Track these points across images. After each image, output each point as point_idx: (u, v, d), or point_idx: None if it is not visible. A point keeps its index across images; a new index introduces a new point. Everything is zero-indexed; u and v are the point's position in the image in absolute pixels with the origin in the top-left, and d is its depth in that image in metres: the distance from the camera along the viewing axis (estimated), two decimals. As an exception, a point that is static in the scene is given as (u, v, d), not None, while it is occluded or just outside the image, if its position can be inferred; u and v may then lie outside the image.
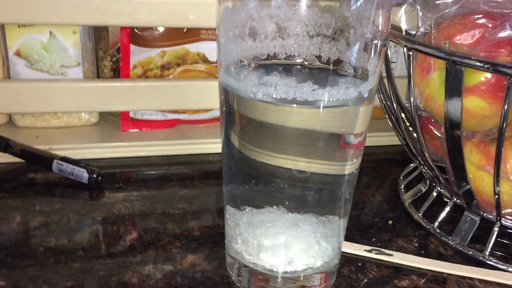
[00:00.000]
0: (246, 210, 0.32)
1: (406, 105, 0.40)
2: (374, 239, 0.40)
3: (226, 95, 0.29)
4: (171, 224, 0.39)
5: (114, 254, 0.36)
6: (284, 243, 0.32)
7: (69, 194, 0.44)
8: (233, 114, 0.29)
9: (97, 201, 0.43)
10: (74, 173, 0.44)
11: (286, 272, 0.33)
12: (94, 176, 0.44)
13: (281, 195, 0.31)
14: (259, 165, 0.29)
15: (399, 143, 0.54)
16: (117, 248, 0.37)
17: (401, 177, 0.48)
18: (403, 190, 0.47)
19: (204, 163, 0.50)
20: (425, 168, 0.41)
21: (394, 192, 0.47)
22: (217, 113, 0.55)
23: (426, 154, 0.38)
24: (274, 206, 0.31)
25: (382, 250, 0.38)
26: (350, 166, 0.32)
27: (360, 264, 0.37)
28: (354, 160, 0.32)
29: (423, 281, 0.35)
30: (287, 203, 0.31)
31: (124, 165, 0.49)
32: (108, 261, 0.35)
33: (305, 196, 0.31)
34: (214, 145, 0.51)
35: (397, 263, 0.37)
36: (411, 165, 0.50)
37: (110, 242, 0.37)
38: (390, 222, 0.42)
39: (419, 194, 0.45)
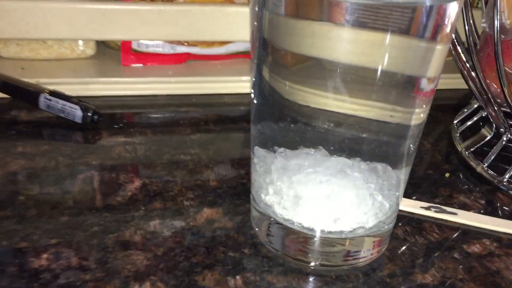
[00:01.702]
0: (280, 151, 0.25)
1: (483, 25, 0.32)
2: (429, 195, 0.33)
3: (262, 21, 0.23)
4: (181, 172, 0.33)
5: (112, 207, 0.29)
6: (328, 194, 0.25)
7: (58, 134, 0.37)
8: (270, 47, 0.24)
9: (93, 143, 0.36)
10: (65, 111, 0.37)
11: (330, 232, 0.26)
12: (89, 114, 0.37)
13: (326, 136, 0.25)
14: (302, 107, 0.24)
15: (445, 87, 0.47)
16: (116, 199, 0.30)
17: (455, 123, 0.41)
18: (458, 138, 0.39)
19: (219, 105, 0.44)
20: (495, 108, 0.34)
21: (447, 140, 0.40)
22: (235, 47, 0.48)
23: (506, 90, 0.30)
24: (312, 149, 0.25)
25: (443, 207, 0.31)
26: (417, 116, 0.25)
27: (416, 224, 0.30)
28: (424, 106, 0.25)
29: (497, 246, 0.28)
30: (331, 147, 0.25)
31: (125, 104, 0.43)
32: (104, 215, 0.28)
33: (357, 142, 0.25)
34: (231, 84, 0.46)
35: (463, 224, 0.30)
36: (465, 110, 0.42)
37: (107, 191, 0.31)
38: (447, 174, 0.35)
39: (482, 142, 0.37)
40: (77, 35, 0.42)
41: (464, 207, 0.32)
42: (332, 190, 0.26)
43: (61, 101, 0.37)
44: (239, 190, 0.32)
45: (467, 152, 0.37)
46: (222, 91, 0.45)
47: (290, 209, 0.26)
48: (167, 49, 0.46)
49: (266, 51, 0.25)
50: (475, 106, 0.40)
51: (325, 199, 0.26)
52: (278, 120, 0.26)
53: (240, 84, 0.46)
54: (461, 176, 0.36)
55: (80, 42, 0.45)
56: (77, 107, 0.37)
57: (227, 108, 0.44)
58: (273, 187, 0.27)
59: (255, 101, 0.27)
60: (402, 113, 0.25)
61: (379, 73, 0.23)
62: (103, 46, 0.48)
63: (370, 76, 0.23)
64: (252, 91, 0.26)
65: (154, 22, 0.42)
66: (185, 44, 0.46)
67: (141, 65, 0.46)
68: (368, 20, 0.22)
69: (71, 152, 0.35)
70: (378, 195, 0.26)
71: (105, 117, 0.39)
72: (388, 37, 0.22)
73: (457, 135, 0.40)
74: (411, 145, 0.26)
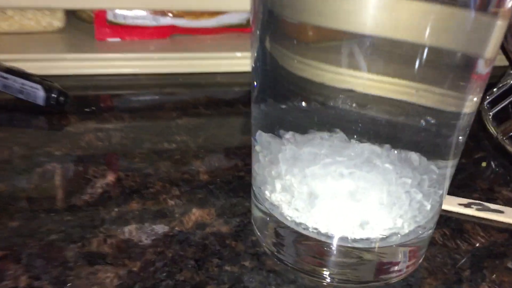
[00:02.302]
0: (287, 136, 0.20)
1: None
2: (466, 189, 0.27)
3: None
4: (165, 164, 0.27)
5: (77, 208, 0.23)
6: (352, 191, 0.20)
7: (16, 119, 0.31)
8: (279, 19, 0.20)
9: (58, 130, 0.30)
10: (25, 91, 0.31)
11: (355, 240, 0.20)
12: (54, 95, 0.31)
13: (346, 117, 0.20)
14: (319, 87, 0.20)
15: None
16: (82, 198, 0.24)
17: (485, 104, 0.35)
18: (491, 121, 0.33)
19: (210, 85, 0.40)
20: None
21: (477, 123, 0.34)
22: (228, 19, 0.44)
23: None
24: (327, 133, 0.20)
25: (485, 204, 0.26)
26: (470, 103, 0.20)
27: (456, 225, 0.24)
28: (479, 92, 0.20)
29: (559, 252, 0.23)
30: (352, 130, 0.20)
31: (99, 85, 0.38)
32: (66, 218, 0.23)
33: (386, 126, 0.20)
34: (224, 62, 0.41)
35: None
36: (495, 90, 0.36)
37: (71, 189, 0.25)
38: (484, 164, 0.30)
39: (522, 125, 0.32)
40: (41, 2, 0.36)
41: (510, 203, 0.27)
42: (357, 186, 0.20)
43: (19, 80, 0.31)
44: (235, 186, 0.26)
45: (504, 138, 0.32)
46: (214, 70, 0.41)
47: (303, 210, 0.21)
48: (149, 21, 0.42)
49: (273, 24, 0.20)
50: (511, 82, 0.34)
51: (348, 197, 0.20)
52: (286, 99, 0.21)
53: (234, 61, 0.41)
54: (500, 166, 0.30)
55: (46, 13, 0.39)
56: (39, 86, 0.31)
57: (219, 89, 0.39)
58: (281, 182, 0.21)
59: (257, 79, 0.21)
60: (453, 99, 0.20)
61: (427, 50, 0.18)
62: (73, 17, 0.43)
63: (414, 53, 0.18)
64: (254, 65, 0.22)
65: (132, -12, 0.36)
66: (170, 15, 0.42)
67: (118, 39, 0.41)
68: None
69: (30, 141, 0.29)
70: (417, 193, 0.20)
71: (74, 99, 0.34)
72: (442, 8, 0.17)
73: (489, 117, 0.34)
74: (460, 137, 0.20)
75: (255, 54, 0.21)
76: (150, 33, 0.42)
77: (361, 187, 0.20)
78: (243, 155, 0.29)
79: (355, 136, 0.20)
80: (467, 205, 0.26)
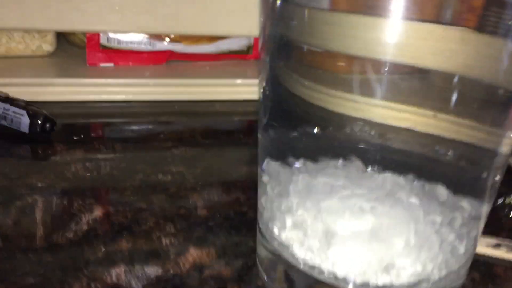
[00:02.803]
0: (297, 166, 0.19)
1: None
2: (491, 228, 0.25)
3: (281, 13, 0.18)
4: (159, 198, 0.25)
5: (59, 247, 0.21)
6: (375, 229, 0.17)
7: None
8: (291, 44, 0.19)
9: (42, 160, 0.28)
10: (8, 117, 0.29)
11: (378, 287, 0.17)
12: (39, 122, 0.29)
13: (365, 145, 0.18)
14: (335, 115, 0.18)
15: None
16: (65, 235, 0.22)
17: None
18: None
19: (208, 114, 0.38)
20: None
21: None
22: (227, 45, 0.43)
23: None
24: (340, 161, 0.18)
25: (515, 245, 0.23)
26: (509, 140, 0.18)
27: (486, 269, 0.22)
28: None
29: None
30: (371, 156, 0.18)
31: (90, 112, 0.36)
32: (46, 260, 0.20)
33: (408, 156, 0.18)
34: (223, 89, 0.40)
35: (549, 268, 0.22)
36: None
37: (54, 225, 0.23)
38: (509, 200, 0.27)
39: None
40: (29, 24, 0.35)
41: (542, 243, 0.24)
42: (381, 224, 0.18)
43: (2, 104, 0.29)
44: (237, 222, 0.24)
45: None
46: (212, 98, 0.39)
47: (318, 251, 0.18)
48: (145, 46, 0.41)
49: (286, 51, 0.19)
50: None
51: (370, 236, 0.18)
52: (297, 125, 0.19)
53: (234, 89, 0.40)
54: (525, 201, 0.28)
55: (36, 36, 0.37)
56: (23, 112, 0.29)
57: (218, 118, 0.38)
58: (293, 217, 0.19)
59: (266, 105, 0.20)
60: (489, 135, 0.18)
61: (463, 81, 0.17)
62: (65, 41, 0.43)
63: (450, 84, 0.16)
64: (262, 91, 0.20)
65: (127, 10, 0.36)
66: (167, 39, 0.41)
67: (111, 64, 0.40)
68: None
69: (10, 171, 0.26)
70: (448, 233, 0.18)
71: (62, 127, 0.32)
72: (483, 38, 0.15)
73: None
74: (497, 176, 0.18)
75: (264, 80, 0.20)
76: (145, 58, 0.41)
77: (385, 225, 0.18)
78: (244, 188, 0.27)
79: (372, 165, 0.18)
80: (495, 246, 0.23)
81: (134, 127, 0.35)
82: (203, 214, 0.24)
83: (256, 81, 0.39)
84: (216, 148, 0.32)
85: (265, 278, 0.20)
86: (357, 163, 0.19)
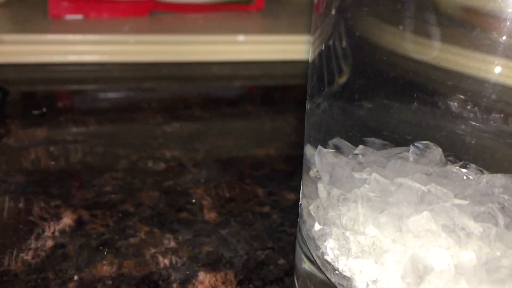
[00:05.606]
0: (357, 152, 0.15)
1: None
2: None
3: None
4: (151, 195, 0.21)
5: (11, 276, 0.15)
6: (488, 263, 0.12)
7: None
8: None
9: None
10: None
11: None
12: (-15, 91, 0.23)
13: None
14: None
15: None
16: (21, 257, 0.16)
17: None
18: None
19: (205, 78, 0.34)
20: None
21: None
22: None
23: None
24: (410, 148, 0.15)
25: None
26: None
27: None
28: None
29: None
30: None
31: (54, 78, 0.32)
32: None
33: None
34: (221, 48, 0.36)
35: None
36: None
37: (4, 241, 0.17)
38: None
39: None
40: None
41: None
42: (494, 255, 0.12)
43: None
44: (259, 229, 0.18)
45: None
46: (208, 58, 0.36)
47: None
48: None
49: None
50: None
51: (482, 273, 0.12)
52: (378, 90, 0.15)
53: (234, 47, 0.36)
54: None
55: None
56: (-38, 79, 0.23)
57: (217, 84, 0.33)
58: (360, 238, 0.13)
59: (327, 69, 0.16)
60: None
61: None
62: None
63: None
64: (323, 49, 0.16)
65: None
66: None
67: (80, 16, 0.37)
68: None
69: None
70: None
71: (22, 98, 0.29)
72: None
73: None
74: None
75: (328, 36, 0.16)
76: (124, 9, 0.39)
77: (503, 257, 0.12)
78: (262, 179, 0.22)
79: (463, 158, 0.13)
80: None
81: (111, 96, 0.30)
82: (211, 218, 0.19)
83: (261, 37, 0.35)
84: (219, 123, 0.28)
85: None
86: (436, 151, 0.14)
